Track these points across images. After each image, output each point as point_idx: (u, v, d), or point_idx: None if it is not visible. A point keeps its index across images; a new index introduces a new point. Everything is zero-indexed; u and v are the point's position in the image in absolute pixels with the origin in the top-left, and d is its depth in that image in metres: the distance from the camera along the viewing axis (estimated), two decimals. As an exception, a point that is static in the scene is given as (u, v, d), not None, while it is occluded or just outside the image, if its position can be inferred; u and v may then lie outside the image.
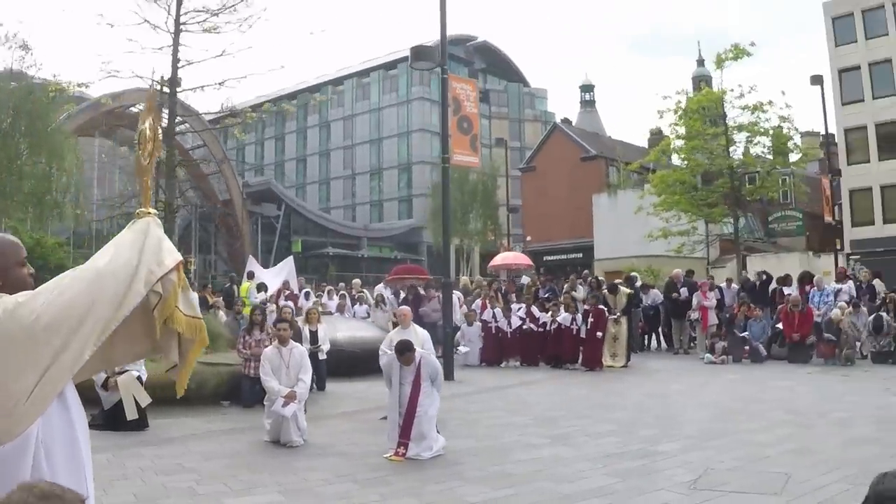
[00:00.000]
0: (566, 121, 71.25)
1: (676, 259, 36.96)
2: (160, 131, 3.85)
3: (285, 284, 24.12)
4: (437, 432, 9.41)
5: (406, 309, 13.07)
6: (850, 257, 41.51)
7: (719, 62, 36.94)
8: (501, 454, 9.23)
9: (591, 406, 13.09)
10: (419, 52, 16.97)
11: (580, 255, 53.75)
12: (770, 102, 35.92)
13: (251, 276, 23.62)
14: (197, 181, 50.04)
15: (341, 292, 23.92)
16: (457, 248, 64.87)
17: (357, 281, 27.03)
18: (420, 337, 11.77)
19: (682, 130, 38.03)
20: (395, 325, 20.05)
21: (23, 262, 3.18)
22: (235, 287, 24.05)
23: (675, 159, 41.41)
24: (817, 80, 35.52)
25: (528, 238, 57.90)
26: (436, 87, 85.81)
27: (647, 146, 71.42)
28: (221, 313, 19.90)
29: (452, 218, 55.29)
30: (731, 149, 37.33)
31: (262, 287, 22.42)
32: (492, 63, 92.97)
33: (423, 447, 9.08)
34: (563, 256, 55.60)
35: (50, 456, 2.93)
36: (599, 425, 11.05)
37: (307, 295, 23.25)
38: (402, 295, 21.54)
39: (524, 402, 13.57)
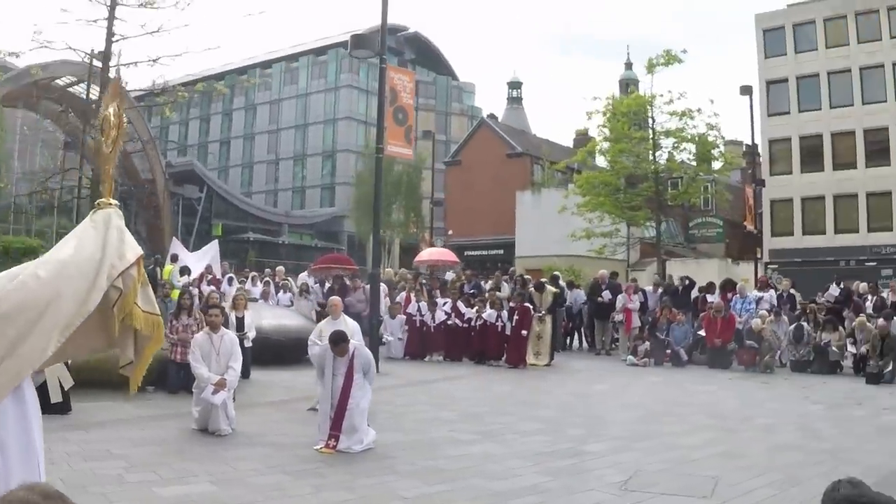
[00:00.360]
0: (492, 116, 71.56)
1: (598, 260, 37.42)
2: (125, 118, 3.72)
3: (208, 269, 23.70)
4: (367, 425, 9.35)
5: (337, 299, 12.95)
6: (769, 266, 42.51)
7: (650, 67, 37.31)
8: (431, 449, 9.22)
9: (517, 403, 13.15)
10: (359, 41, 16.80)
11: (501, 251, 53.97)
12: (699, 110, 36.54)
13: (175, 258, 23.10)
14: (120, 159, 48.75)
15: (265, 279, 23.57)
16: (378, 239, 64.53)
17: (281, 268, 26.75)
18: (350, 328, 11.68)
19: (609, 132, 38.36)
20: (319, 314, 19.99)
21: None
22: (158, 269, 23.55)
23: (601, 161, 41.89)
24: (747, 90, 36.27)
25: (450, 232, 57.81)
26: (364, 75, 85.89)
27: (572, 146, 72.35)
28: None
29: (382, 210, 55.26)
30: (656, 153, 37.87)
31: (185, 270, 21.98)
32: (422, 54, 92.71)
33: (354, 440, 9.00)
34: (485, 252, 55.71)
35: (4, 450, 2.80)
36: (526, 423, 11.11)
37: (230, 280, 22.87)
38: (328, 284, 21.36)
39: (450, 397, 13.59)
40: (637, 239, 43.72)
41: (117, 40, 20.52)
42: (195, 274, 22.41)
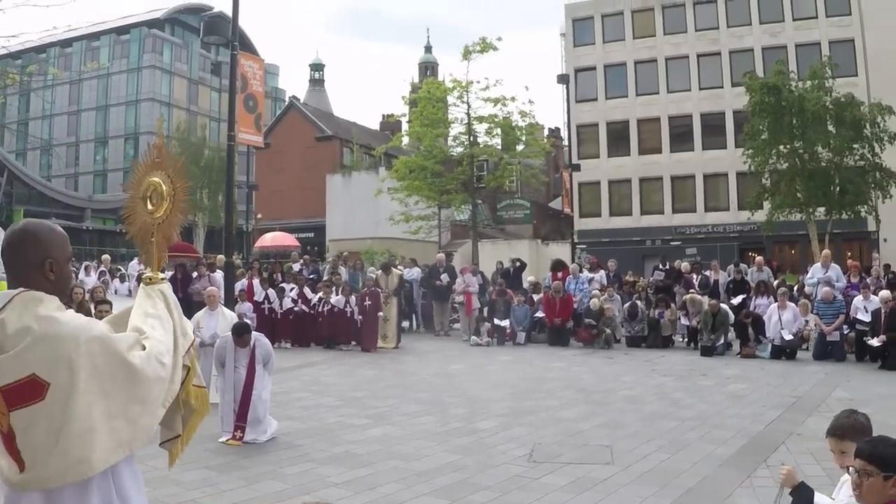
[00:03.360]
0: (295, 98, 71.33)
1: (411, 242, 38.27)
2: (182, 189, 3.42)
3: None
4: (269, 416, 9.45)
5: (214, 290, 12.84)
6: (577, 246, 44.50)
7: (466, 53, 38.13)
8: (333, 435, 9.42)
9: (389, 386, 13.45)
10: (212, 26, 16.56)
11: (312, 234, 53.91)
12: (513, 98, 37.77)
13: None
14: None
15: (101, 268, 22.76)
16: (189, 224, 63.13)
17: (107, 256, 25.87)
18: (229, 319, 11.65)
19: (424, 118, 38.87)
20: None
21: (70, 258, 3.08)
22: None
23: (415, 145, 42.52)
24: (564, 78, 37.78)
25: (259, 216, 57.12)
26: (168, 55, 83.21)
27: (379, 129, 72.95)
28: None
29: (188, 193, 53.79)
30: (470, 138, 38.87)
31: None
32: (226, 35, 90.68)
33: (259, 431, 9.10)
34: (295, 235, 55.65)
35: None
36: (408, 405, 11.46)
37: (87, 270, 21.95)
38: (170, 273, 20.85)
39: (321, 384, 13.72)
40: (449, 222, 44.73)
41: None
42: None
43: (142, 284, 3.23)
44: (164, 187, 3.34)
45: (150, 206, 3.36)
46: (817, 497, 4.05)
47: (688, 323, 18.90)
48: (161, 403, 2.96)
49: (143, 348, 2.90)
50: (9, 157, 72.77)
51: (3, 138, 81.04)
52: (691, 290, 19.84)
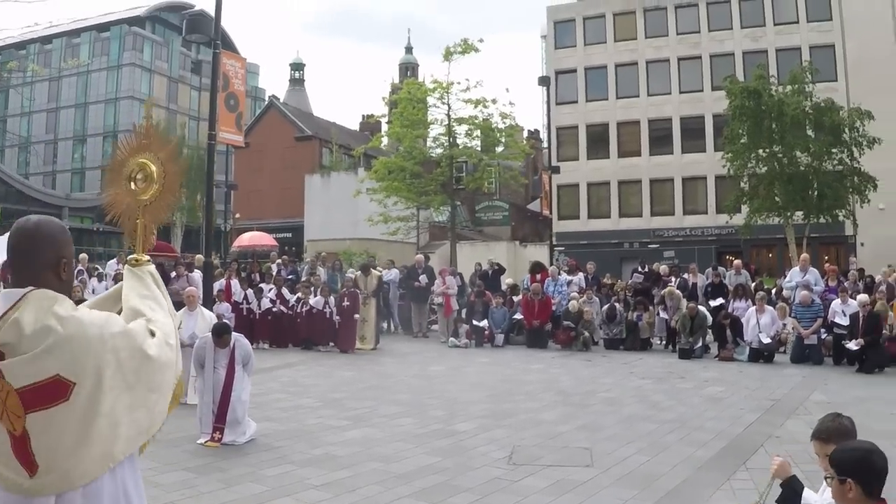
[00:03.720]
0: (275, 98, 71.16)
1: (390, 243, 38.26)
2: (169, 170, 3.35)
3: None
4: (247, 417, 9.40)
5: (193, 290, 12.77)
6: (556, 248, 44.61)
7: (448, 55, 38.12)
8: (313, 437, 9.38)
9: (368, 388, 13.42)
10: (194, 24, 16.48)
11: (290, 234, 53.72)
12: (493, 100, 37.79)
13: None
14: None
15: (78, 267, 22.52)
16: (167, 223, 62.84)
17: (84, 255, 25.64)
18: (208, 319, 11.62)
19: (404, 118, 38.84)
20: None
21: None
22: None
23: (394, 146, 42.50)
24: (545, 80, 37.83)
25: (237, 215, 56.85)
26: (149, 53, 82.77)
27: (359, 129, 72.85)
28: None
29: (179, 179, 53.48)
30: (449, 139, 38.87)
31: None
32: (208, 33, 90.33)
33: (238, 433, 9.04)
34: (273, 235, 55.44)
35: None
36: (388, 407, 11.43)
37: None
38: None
39: (300, 385, 13.68)
40: (427, 223, 44.72)
41: None
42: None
43: (127, 266, 3.18)
44: (152, 168, 3.27)
45: (134, 187, 3.29)
46: (806, 492, 4.07)
47: (666, 317, 18.98)
48: (171, 387, 2.96)
49: (153, 334, 2.86)
50: (-15, 154, 72.23)
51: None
52: (669, 285, 20.00)
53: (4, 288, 2.84)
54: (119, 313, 2.97)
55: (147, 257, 3.21)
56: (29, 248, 2.79)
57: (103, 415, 2.68)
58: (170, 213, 3.43)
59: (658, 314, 19.51)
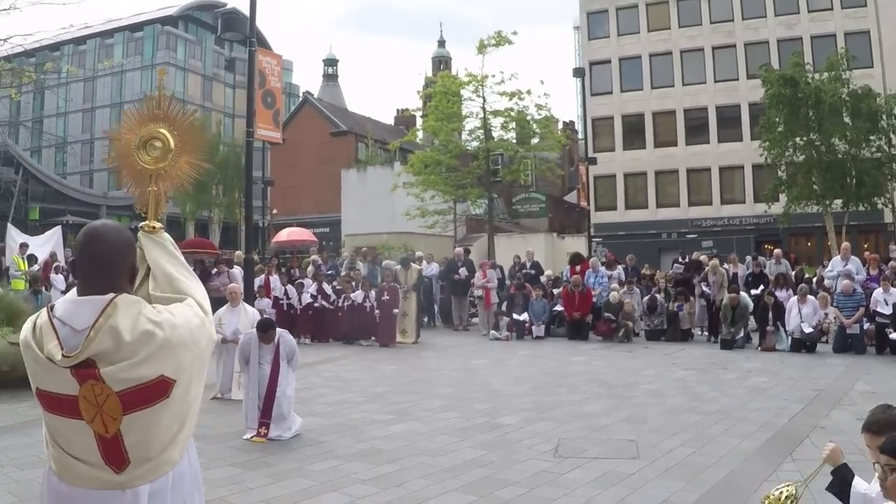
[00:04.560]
0: (309, 94, 71.41)
1: (427, 236, 38.31)
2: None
3: (53, 256, 22.81)
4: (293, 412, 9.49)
5: (236, 286, 12.92)
6: (593, 240, 44.49)
7: (482, 47, 38.15)
8: (358, 431, 9.44)
9: (411, 382, 13.50)
10: (229, 22, 16.63)
11: (327, 229, 53.94)
12: (528, 91, 37.78)
13: (24, 247, 21.99)
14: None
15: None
16: (204, 219, 63.54)
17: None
18: (251, 316, 11.74)
19: (439, 112, 38.91)
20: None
21: None
22: (2, 258, 22.44)
23: (430, 140, 42.62)
24: (579, 72, 37.73)
25: (274, 211, 57.22)
26: (182, 52, 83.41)
27: (394, 124, 72.98)
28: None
29: (202, 189, 54.00)
30: (485, 132, 38.89)
31: (32, 259, 21.09)
32: (240, 31, 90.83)
33: (283, 428, 9.12)
34: (311, 230, 55.76)
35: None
36: (430, 401, 11.49)
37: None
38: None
39: (343, 379, 13.77)
40: (464, 216, 44.79)
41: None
42: (40, 261, 21.58)
43: (140, 233, 3.10)
44: (169, 140, 3.17)
45: (146, 156, 3.18)
46: (856, 481, 4.06)
47: (710, 293, 18.91)
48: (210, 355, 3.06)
49: (203, 310, 2.92)
50: (24, 154, 73.07)
51: (19, 136, 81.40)
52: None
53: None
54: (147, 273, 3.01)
55: (160, 224, 3.16)
56: (110, 255, 2.81)
57: (192, 402, 2.83)
58: (187, 183, 3.28)
59: (701, 289, 19.51)
